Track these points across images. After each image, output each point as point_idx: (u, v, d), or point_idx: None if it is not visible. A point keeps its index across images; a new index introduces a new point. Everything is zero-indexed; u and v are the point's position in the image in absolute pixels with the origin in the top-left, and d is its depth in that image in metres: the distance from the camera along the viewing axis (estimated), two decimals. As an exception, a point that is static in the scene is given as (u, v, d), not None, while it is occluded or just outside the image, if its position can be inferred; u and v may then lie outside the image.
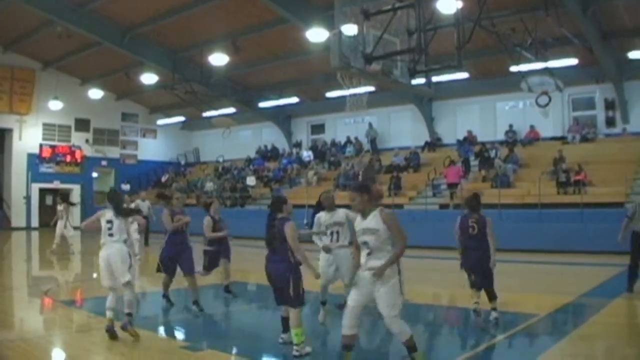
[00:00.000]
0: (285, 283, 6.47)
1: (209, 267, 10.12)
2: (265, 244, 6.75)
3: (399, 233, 5.69)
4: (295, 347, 6.36)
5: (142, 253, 17.96)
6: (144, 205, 20.83)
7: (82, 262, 17.59)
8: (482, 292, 8.42)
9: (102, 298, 7.74)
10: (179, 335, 7.85)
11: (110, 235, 7.26)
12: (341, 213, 8.07)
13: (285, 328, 6.78)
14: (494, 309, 8.29)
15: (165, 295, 9.40)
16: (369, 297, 5.66)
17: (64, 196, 20.64)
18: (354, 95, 11.26)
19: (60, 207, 18.58)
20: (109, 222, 7.29)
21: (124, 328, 7.03)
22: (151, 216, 20.53)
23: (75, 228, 18.93)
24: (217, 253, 10.09)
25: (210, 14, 22.75)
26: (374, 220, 5.68)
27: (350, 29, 9.92)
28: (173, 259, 9.11)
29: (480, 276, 8.44)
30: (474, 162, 24.58)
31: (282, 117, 33.87)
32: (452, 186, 22.76)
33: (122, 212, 7.42)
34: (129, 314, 7.12)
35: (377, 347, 7.58)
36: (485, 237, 8.47)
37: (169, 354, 6.81)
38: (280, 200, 6.89)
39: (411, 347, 5.70)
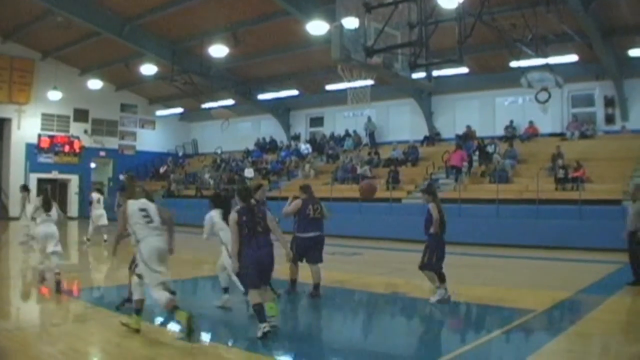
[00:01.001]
0: (272, 265, 7.11)
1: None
2: (250, 233, 6.96)
3: (118, 222, 7.30)
4: (274, 319, 7.03)
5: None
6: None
7: (79, 252, 17.62)
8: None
9: (99, 288, 7.79)
10: (176, 326, 7.85)
11: (49, 215, 10.28)
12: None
13: (264, 317, 6.88)
14: (446, 288, 9.07)
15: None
16: None
17: (25, 186, 20.67)
18: (356, 88, 11.26)
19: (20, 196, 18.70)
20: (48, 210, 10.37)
21: (57, 283, 9.69)
22: None
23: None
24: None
25: (210, 5, 22.68)
26: None
27: (351, 22, 9.91)
28: None
29: None
30: (474, 157, 24.56)
31: (281, 110, 33.85)
32: (453, 169, 23.01)
33: (49, 205, 10.42)
34: (59, 274, 9.82)
35: (376, 346, 7.59)
36: None
37: (166, 345, 6.81)
38: (249, 190, 7.71)
39: (170, 309, 6.85)
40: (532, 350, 6.59)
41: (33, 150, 33.05)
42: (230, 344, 6.96)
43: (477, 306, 9.29)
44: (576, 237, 17.62)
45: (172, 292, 8.29)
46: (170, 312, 6.89)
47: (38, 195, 16.50)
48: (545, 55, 18.08)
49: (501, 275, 13.20)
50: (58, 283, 9.68)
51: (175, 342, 6.88)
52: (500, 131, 26.01)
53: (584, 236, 17.39)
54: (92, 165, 36.02)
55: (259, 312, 6.87)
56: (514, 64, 19.41)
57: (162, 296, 6.84)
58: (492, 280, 12.14)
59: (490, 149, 24.08)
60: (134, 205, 7.14)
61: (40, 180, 32.55)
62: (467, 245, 17.94)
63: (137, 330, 6.88)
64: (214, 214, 8.65)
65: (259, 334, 6.77)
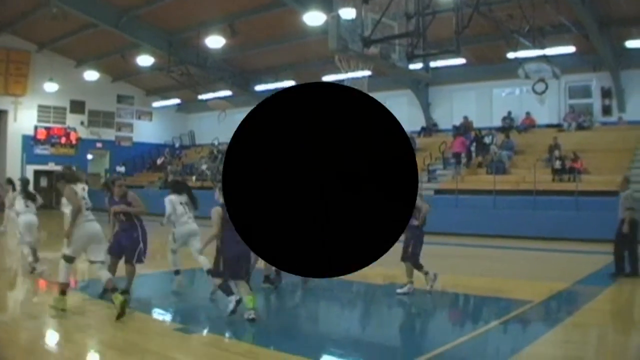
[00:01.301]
0: (250, 259, 7.43)
1: None
2: (233, 229, 7.01)
3: (72, 203, 7.68)
4: (252, 311, 7.14)
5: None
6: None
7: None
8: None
9: (97, 280, 7.81)
10: (173, 317, 7.85)
11: (27, 206, 11.02)
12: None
13: (231, 291, 7.30)
14: (427, 272, 9.26)
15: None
16: None
17: (9, 179, 20.75)
18: (354, 79, 11.25)
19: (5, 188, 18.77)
20: (26, 200, 11.14)
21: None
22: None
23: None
24: None
25: (207, -5, 22.60)
26: None
27: (348, 13, 9.89)
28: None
29: None
30: (471, 148, 24.54)
31: (278, 101, 33.70)
32: (455, 157, 23.15)
33: (30, 196, 11.23)
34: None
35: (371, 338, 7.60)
36: None
37: (164, 336, 6.81)
38: None
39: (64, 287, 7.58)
40: (530, 340, 6.60)
41: (29, 142, 33.00)
42: (227, 333, 6.96)
43: (474, 297, 9.31)
44: (573, 228, 17.64)
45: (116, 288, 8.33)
46: (61, 292, 7.50)
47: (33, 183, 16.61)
48: (543, 47, 18.06)
49: (498, 266, 13.22)
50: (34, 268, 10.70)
51: (172, 332, 6.87)
52: (497, 122, 25.96)
53: (581, 227, 17.41)
54: (89, 156, 35.92)
55: (226, 289, 7.28)
56: (511, 55, 19.38)
57: (62, 271, 7.60)
58: (489, 271, 12.16)
59: (487, 140, 24.04)
60: (78, 189, 7.70)
61: (36, 172, 32.55)
62: (464, 236, 17.99)
63: (126, 302, 7.12)
64: (174, 198, 9.18)
65: (230, 306, 7.13)
